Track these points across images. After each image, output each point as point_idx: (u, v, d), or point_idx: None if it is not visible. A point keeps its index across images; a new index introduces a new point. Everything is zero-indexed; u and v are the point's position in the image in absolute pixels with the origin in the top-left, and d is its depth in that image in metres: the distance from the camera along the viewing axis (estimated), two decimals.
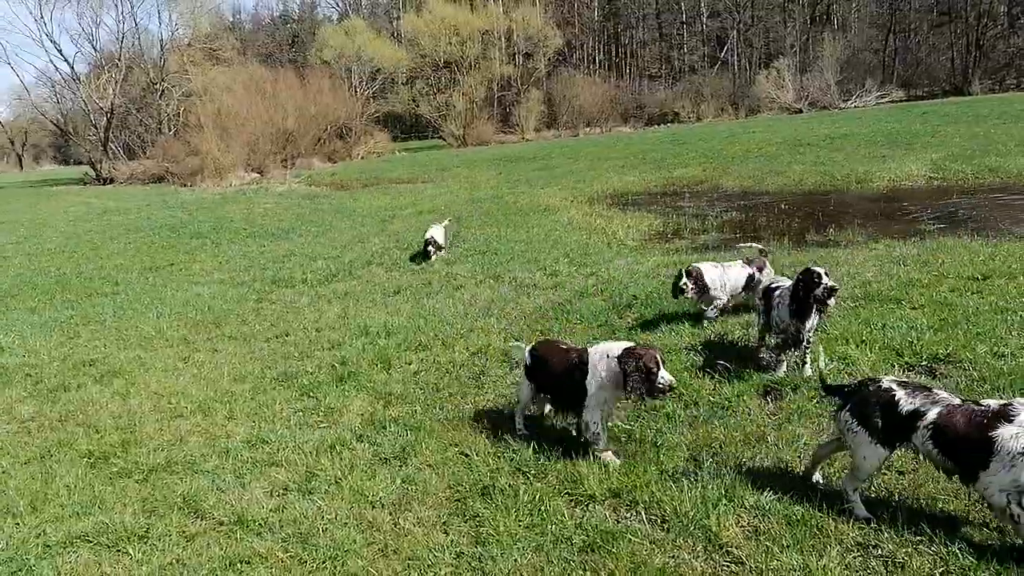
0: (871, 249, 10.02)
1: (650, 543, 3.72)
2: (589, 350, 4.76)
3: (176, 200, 28.54)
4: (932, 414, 3.49)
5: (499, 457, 4.86)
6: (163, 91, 51.09)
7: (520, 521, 4.05)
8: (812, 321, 5.66)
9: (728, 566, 3.53)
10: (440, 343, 7.57)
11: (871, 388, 3.73)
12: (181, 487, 4.84)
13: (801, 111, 49.83)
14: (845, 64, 54.65)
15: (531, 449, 4.87)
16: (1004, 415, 3.33)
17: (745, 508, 3.93)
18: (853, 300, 7.48)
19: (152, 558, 4.07)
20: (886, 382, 3.73)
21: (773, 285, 6.10)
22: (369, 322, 8.56)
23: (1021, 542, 3.34)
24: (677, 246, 12.33)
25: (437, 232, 12.38)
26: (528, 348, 5.37)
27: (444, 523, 4.16)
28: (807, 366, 5.75)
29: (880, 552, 3.48)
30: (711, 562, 3.57)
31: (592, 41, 79.19)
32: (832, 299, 5.49)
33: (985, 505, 3.45)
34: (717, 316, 7.34)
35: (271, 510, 4.47)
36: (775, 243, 11.40)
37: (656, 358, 4.43)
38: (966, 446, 3.37)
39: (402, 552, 3.89)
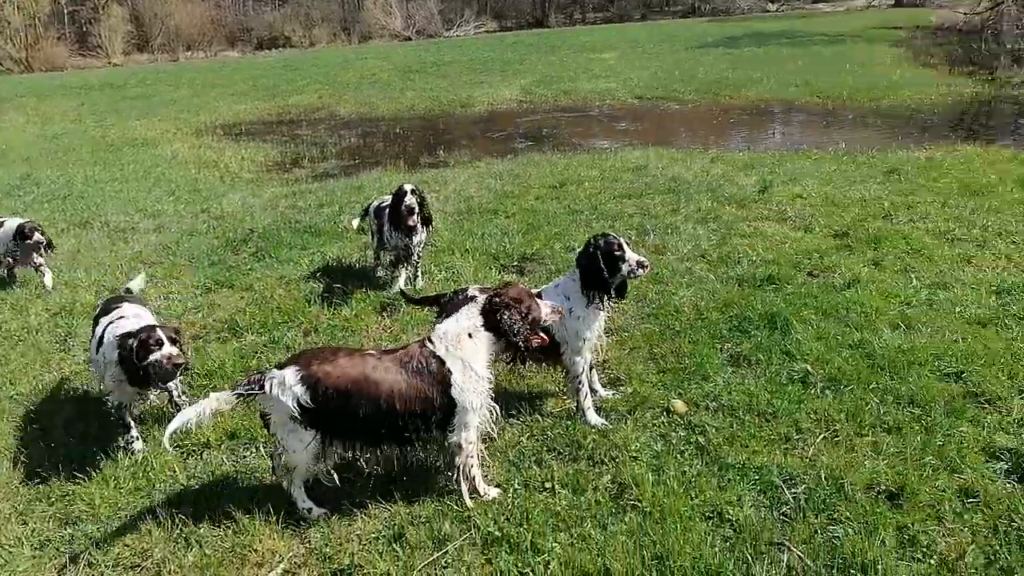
0: (475, 167, 10.93)
1: (271, 475, 3.63)
2: (432, 338, 3.30)
3: None
4: None
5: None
6: None
7: (122, 488, 3.62)
8: (420, 236, 5.97)
9: None
10: (8, 307, 6.26)
11: (459, 297, 4.08)
12: None
13: (410, 39, 51.38)
14: None
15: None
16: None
17: None
18: (459, 214, 8.10)
19: None
20: (471, 290, 4.12)
21: (384, 204, 6.25)
22: None
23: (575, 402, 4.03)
24: (297, 175, 12.02)
25: None
26: (296, 375, 3.12)
27: (22, 513, 3.51)
28: (419, 279, 6.09)
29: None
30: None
31: None
32: (414, 216, 5.73)
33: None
34: None
35: None
36: (392, 166, 11.79)
37: (528, 292, 3.43)
38: None
39: None
